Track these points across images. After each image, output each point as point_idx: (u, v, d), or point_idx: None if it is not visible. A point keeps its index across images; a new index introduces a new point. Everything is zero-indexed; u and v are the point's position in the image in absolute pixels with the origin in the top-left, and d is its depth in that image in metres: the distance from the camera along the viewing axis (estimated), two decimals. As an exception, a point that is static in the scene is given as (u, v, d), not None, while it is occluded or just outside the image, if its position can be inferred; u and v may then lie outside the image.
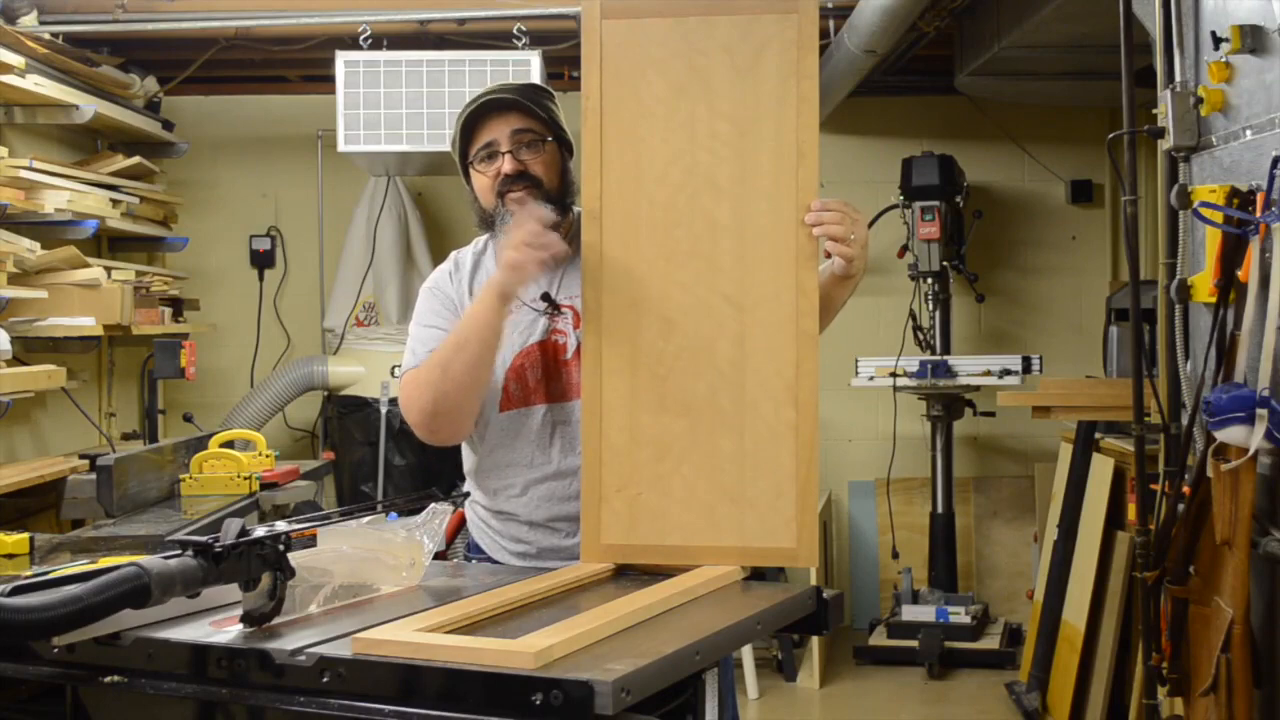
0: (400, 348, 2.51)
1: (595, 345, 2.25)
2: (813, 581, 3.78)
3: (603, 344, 2.24)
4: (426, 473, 5.37)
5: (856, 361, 5.54)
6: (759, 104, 2.22)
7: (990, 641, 5.39)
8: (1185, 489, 2.73)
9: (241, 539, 1.74)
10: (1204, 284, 2.68)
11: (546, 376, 2.39)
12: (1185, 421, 2.80)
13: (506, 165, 2.38)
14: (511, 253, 2.23)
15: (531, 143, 2.40)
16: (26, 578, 1.79)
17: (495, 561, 2.46)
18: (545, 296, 2.41)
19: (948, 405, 5.61)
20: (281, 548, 1.77)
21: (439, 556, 2.38)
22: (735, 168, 2.22)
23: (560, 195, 2.42)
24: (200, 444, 4.14)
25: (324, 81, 5.32)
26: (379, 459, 5.37)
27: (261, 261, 6.08)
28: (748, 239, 2.21)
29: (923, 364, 5.45)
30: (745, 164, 2.22)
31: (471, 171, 2.45)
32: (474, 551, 2.53)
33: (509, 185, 2.38)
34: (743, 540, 2.18)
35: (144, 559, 1.68)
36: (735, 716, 2.47)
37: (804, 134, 2.20)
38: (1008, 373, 5.38)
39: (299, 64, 5.73)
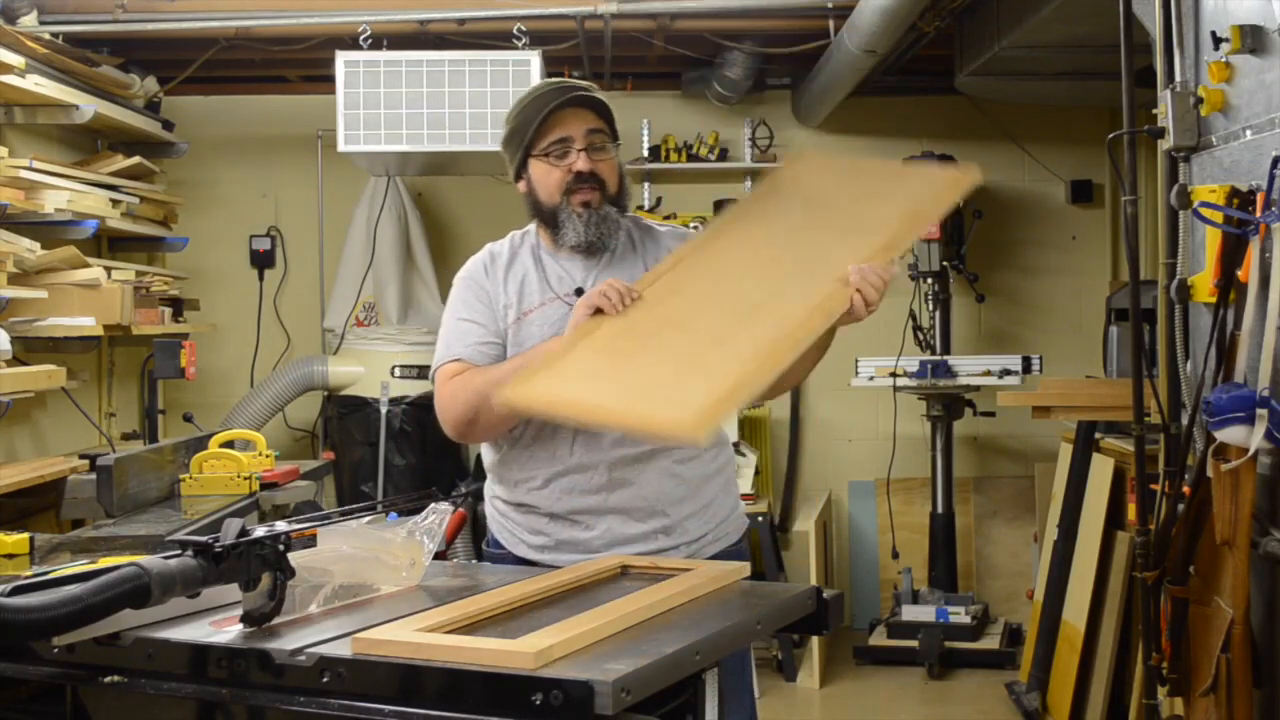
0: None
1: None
2: (813, 581, 3.78)
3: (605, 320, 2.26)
4: (426, 473, 5.37)
5: (856, 361, 5.53)
6: (863, 218, 2.29)
7: (990, 641, 5.38)
8: (1185, 489, 2.73)
9: (241, 539, 1.74)
10: (1204, 284, 2.69)
11: None
12: (1185, 421, 2.80)
13: (581, 163, 2.41)
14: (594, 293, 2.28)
15: (601, 145, 2.44)
16: (26, 578, 1.79)
17: (513, 554, 2.47)
18: (579, 291, 2.43)
19: (948, 405, 5.61)
20: (281, 548, 1.78)
21: (439, 556, 2.38)
22: (802, 253, 2.29)
23: (618, 198, 2.48)
24: (200, 444, 4.14)
25: (324, 81, 5.31)
26: (379, 459, 5.37)
27: (261, 261, 6.08)
28: (784, 286, 2.24)
29: (923, 364, 5.45)
30: (813, 251, 2.28)
31: (534, 161, 2.45)
32: (492, 545, 2.54)
33: (577, 184, 2.41)
34: (650, 407, 2.06)
35: (144, 559, 1.68)
36: (753, 715, 2.49)
37: (889, 239, 2.24)
38: (1008, 373, 5.38)
39: (299, 64, 5.73)
